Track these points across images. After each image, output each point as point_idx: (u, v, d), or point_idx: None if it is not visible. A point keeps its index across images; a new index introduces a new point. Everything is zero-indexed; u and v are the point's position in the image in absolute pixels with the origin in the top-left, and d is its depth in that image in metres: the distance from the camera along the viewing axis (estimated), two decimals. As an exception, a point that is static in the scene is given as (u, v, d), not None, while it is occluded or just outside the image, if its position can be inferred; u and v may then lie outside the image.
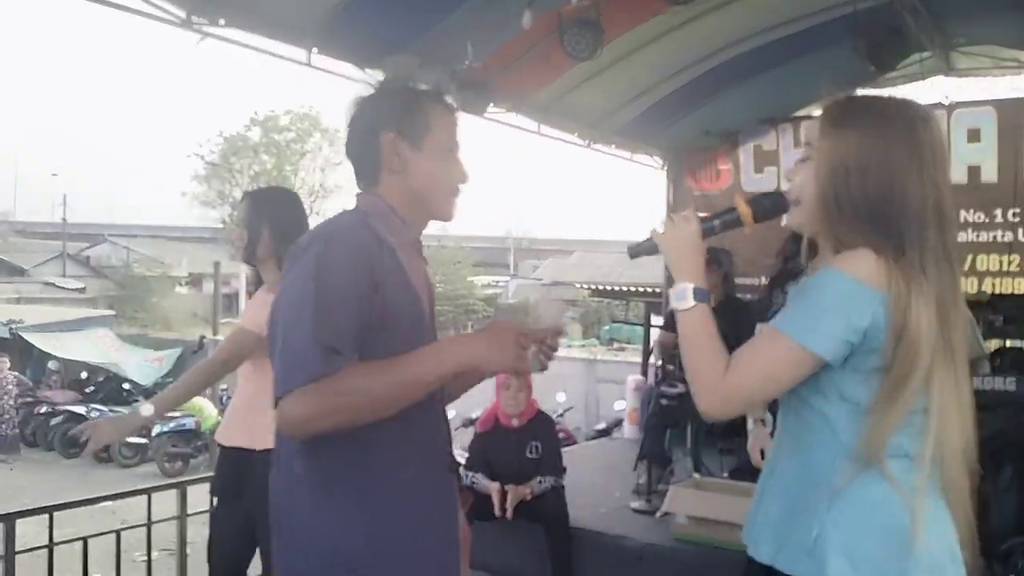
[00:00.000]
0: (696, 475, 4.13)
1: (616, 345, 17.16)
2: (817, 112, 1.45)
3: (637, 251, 1.54)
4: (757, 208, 1.46)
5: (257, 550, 2.64)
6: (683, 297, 1.38)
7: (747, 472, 4.06)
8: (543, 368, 1.52)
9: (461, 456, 7.19)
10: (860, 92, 1.49)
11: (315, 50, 3.85)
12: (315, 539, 1.40)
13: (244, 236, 2.70)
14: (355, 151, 1.56)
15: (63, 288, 25.83)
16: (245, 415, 2.55)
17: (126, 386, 15.36)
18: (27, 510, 2.98)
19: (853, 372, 1.29)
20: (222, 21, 3.49)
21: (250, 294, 2.84)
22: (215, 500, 2.75)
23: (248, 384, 2.59)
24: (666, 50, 4.93)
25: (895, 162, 1.31)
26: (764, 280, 5.42)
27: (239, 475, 2.56)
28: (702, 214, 1.49)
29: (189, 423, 12.27)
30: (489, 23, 3.97)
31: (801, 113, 6.08)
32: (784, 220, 1.48)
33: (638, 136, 6.08)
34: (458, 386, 1.72)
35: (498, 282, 28.45)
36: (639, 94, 5.44)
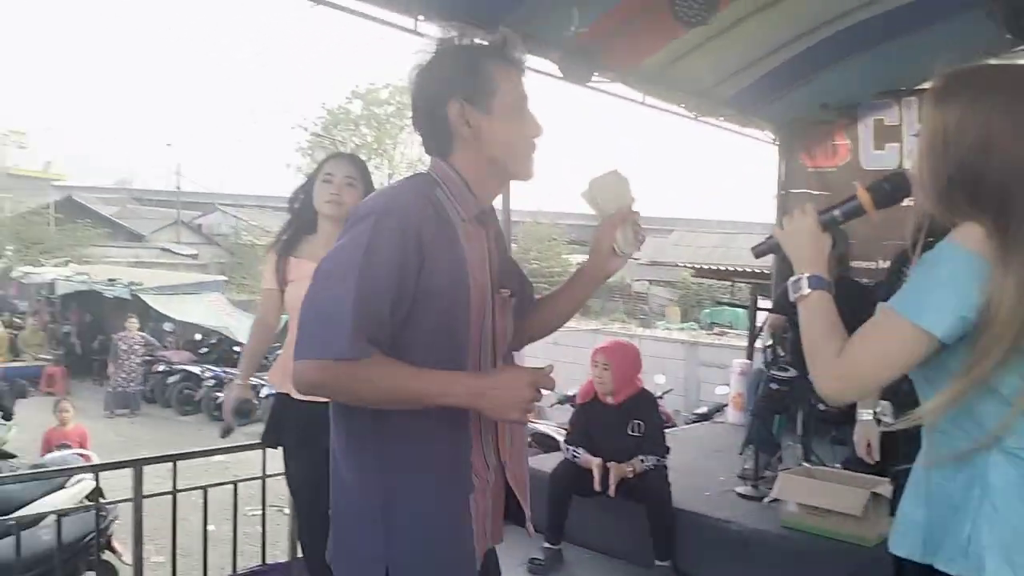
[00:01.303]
0: (806, 464, 3.99)
1: (717, 329, 16.72)
2: None
3: (761, 250, 1.60)
4: (877, 194, 1.44)
5: None
6: (798, 287, 1.42)
7: (861, 463, 3.89)
8: (641, 242, 1.66)
9: (559, 432, 7.18)
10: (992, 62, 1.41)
11: (421, 17, 3.85)
12: (344, 492, 1.51)
13: (356, 194, 2.70)
14: (423, 124, 1.52)
15: (178, 254, 27.27)
16: None
17: (236, 349, 16.08)
18: (153, 457, 3.18)
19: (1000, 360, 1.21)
20: (332, -13, 3.54)
21: None
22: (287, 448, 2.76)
23: None
24: (782, 16, 4.67)
25: (995, 134, 1.24)
26: (883, 262, 5.14)
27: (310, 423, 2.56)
28: (823, 205, 1.49)
29: (294, 387, 12.78)
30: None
31: (927, 85, 5.70)
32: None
33: (749, 108, 5.82)
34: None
35: (592, 259, 28.22)
36: (751, 63, 5.20)
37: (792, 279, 1.43)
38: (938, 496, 1.31)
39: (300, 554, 3.48)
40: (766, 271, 8.13)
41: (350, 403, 1.42)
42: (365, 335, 1.33)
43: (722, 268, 12.05)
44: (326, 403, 2.60)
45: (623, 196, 1.62)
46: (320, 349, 1.33)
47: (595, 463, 3.63)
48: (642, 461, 3.64)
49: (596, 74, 4.67)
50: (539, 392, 1.39)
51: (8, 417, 9.40)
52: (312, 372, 1.35)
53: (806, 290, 1.41)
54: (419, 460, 1.46)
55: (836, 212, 1.47)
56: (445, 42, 1.49)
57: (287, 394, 2.66)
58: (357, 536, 1.48)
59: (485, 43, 1.50)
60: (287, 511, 5.19)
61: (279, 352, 2.98)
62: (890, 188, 1.44)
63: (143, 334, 14.85)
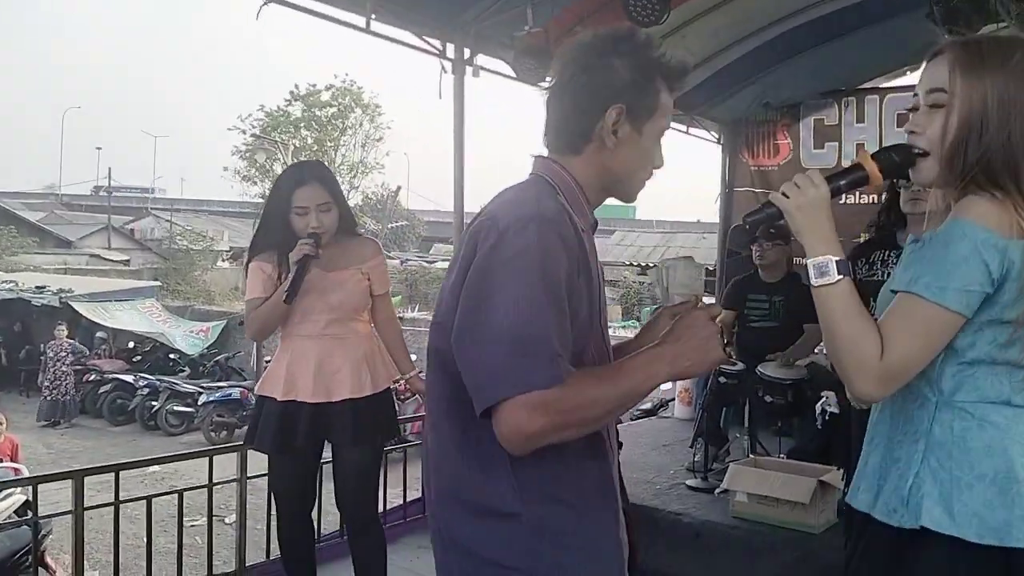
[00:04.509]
0: (753, 455, 4.05)
1: (659, 326, 16.95)
2: (940, 57, 1.32)
3: (756, 221, 1.38)
4: (886, 163, 1.33)
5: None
6: (826, 271, 1.26)
7: (805, 453, 3.98)
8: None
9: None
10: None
11: (374, 16, 3.80)
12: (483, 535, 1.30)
13: (334, 214, 2.58)
14: (566, 112, 1.38)
15: (109, 260, 26.36)
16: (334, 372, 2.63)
17: (172, 356, 15.65)
18: (95, 468, 3.02)
19: (968, 323, 1.23)
20: (282, -15, 3.47)
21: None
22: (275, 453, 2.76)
23: (344, 342, 2.64)
24: (729, 17, 4.78)
25: None
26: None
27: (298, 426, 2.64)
28: (826, 175, 1.35)
29: (235, 393, 12.50)
30: (551, -13, 3.88)
31: (867, 85, 5.87)
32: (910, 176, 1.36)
33: (696, 108, 5.91)
34: None
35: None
36: (697, 64, 5.26)
37: (814, 261, 1.27)
38: (887, 450, 1.34)
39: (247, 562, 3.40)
40: (709, 267, 8.26)
41: (570, 437, 1.22)
42: (560, 356, 1.17)
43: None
44: (302, 403, 2.60)
45: (695, 284, 1.60)
46: (526, 381, 1.14)
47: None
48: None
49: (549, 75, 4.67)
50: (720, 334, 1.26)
51: None
52: (531, 417, 1.14)
53: (835, 276, 1.25)
54: (573, 488, 1.31)
55: (842, 183, 1.33)
56: (632, 41, 1.36)
57: (272, 397, 2.65)
58: None
59: (665, 60, 1.39)
60: (228, 521, 5.04)
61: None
62: (899, 159, 1.33)
63: (72, 341, 14.35)
